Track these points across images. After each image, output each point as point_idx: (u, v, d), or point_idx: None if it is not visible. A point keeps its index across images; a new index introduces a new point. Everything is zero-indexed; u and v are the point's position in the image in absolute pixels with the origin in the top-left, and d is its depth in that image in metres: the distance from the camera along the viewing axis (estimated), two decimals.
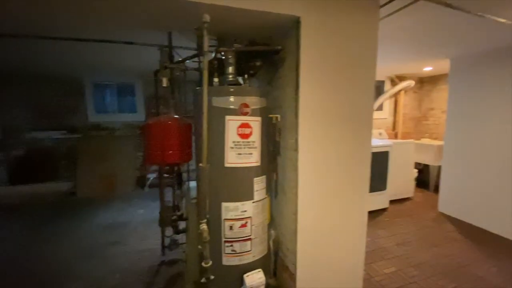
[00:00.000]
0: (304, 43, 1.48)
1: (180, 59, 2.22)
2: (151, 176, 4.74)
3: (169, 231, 2.32)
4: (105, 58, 3.45)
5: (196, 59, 2.11)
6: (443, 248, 2.68)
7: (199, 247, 1.37)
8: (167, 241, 2.39)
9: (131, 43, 2.58)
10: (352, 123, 1.65)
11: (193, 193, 2.15)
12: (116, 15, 1.57)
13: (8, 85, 4.28)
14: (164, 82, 2.04)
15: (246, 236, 1.55)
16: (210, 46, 1.74)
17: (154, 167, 4.86)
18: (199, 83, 2.25)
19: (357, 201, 1.73)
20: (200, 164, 1.33)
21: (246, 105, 1.47)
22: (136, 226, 3.16)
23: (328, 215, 1.67)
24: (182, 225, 2.32)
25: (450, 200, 3.51)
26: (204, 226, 1.34)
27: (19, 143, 4.44)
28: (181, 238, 2.40)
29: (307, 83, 1.51)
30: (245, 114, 1.47)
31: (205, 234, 1.32)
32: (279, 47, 1.62)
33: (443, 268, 2.32)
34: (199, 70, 2.21)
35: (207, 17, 1.25)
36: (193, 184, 2.23)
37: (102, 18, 1.61)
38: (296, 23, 1.50)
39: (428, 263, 2.40)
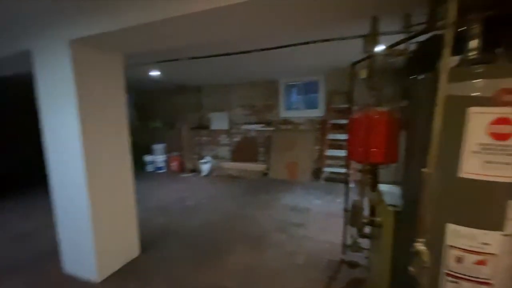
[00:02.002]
0: None
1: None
2: (326, 170, 4.88)
3: (352, 230, 2.21)
4: (295, 60, 3.86)
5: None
6: None
7: (411, 269, 1.12)
8: (348, 240, 2.30)
9: (329, 40, 2.66)
10: None
11: (387, 199, 1.87)
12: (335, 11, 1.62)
13: (231, 90, 6.04)
14: (363, 73, 1.89)
15: (483, 279, 1.09)
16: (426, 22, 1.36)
17: (329, 161, 4.96)
18: (404, 71, 1.90)
19: None
20: (425, 170, 1.06)
21: (508, 91, 0.99)
22: (315, 215, 3.36)
23: None
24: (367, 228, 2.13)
25: None
26: (422, 247, 1.08)
27: (237, 132, 6.16)
28: (363, 241, 2.22)
29: None
30: (506, 104, 0.99)
31: (425, 258, 1.06)
32: None
33: None
34: (405, 55, 1.85)
35: None
36: (383, 187, 1.95)
37: (325, 16, 1.70)
38: None
39: None
